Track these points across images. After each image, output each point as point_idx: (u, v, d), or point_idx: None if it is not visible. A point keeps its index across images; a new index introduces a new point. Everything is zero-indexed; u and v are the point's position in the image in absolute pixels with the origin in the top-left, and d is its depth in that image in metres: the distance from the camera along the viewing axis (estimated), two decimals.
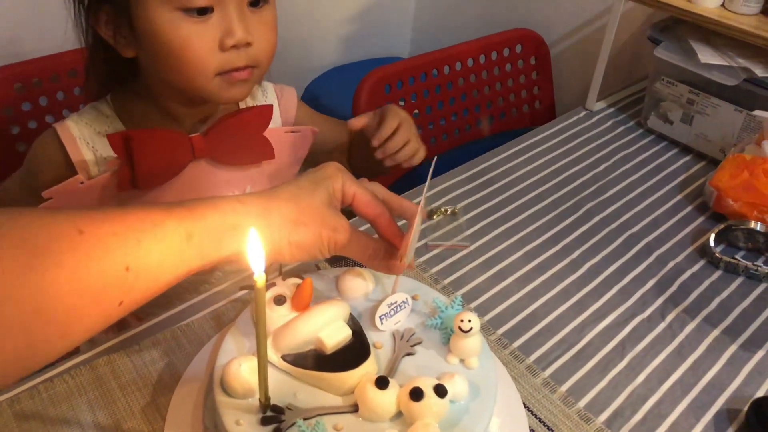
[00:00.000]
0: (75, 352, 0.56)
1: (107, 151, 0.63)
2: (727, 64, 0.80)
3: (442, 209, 0.77)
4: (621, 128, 0.97)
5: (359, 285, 0.53)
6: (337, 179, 0.49)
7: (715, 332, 0.65)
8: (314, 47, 1.37)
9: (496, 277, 0.69)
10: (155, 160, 0.63)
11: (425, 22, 1.55)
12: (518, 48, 1.17)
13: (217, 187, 0.69)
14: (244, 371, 0.45)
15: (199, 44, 0.58)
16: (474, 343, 0.49)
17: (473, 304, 0.65)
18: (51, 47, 0.91)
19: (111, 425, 0.50)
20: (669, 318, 0.66)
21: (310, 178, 0.49)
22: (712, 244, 0.73)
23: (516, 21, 1.24)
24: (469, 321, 0.48)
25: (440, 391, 0.44)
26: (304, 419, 0.43)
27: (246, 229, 0.40)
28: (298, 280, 0.51)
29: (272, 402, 0.44)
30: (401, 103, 1.08)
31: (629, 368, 0.60)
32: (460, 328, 0.49)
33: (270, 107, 0.70)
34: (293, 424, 0.43)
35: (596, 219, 0.79)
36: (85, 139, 0.64)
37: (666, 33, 0.89)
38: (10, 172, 0.69)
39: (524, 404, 0.55)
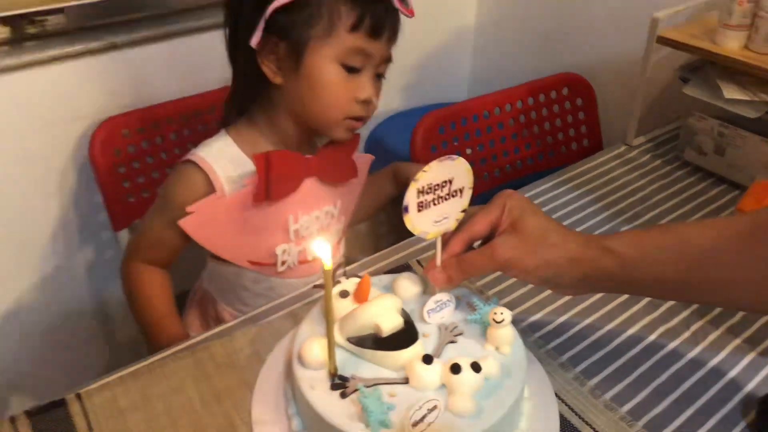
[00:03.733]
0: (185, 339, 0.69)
1: (235, 171, 0.78)
2: (750, 98, 0.87)
3: None
4: (659, 161, 1.05)
5: (410, 286, 0.64)
6: None
7: (737, 341, 0.72)
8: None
9: (534, 290, 0.78)
10: (285, 176, 0.78)
11: (481, 69, 1.67)
12: (565, 90, 1.27)
13: (318, 201, 0.84)
14: (316, 348, 0.55)
15: (344, 92, 0.75)
16: (506, 333, 0.59)
17: (514, 311, 0.75)
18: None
19: (210, 394, 0.62)
20: (693, 327, 0.73)
21: None
22: None
23: (563, 66, 1.34)
24: (502, 314, 0.58)
25: (476, 367, 0.54)
26: (365, 386, 0.53)
27: None
28: (357, 279, 0.62)
29: (339, 373, 0.55)
30: (455, 142, 1.19)
31: (653, 368, 0.68)
32: (494, 319, 0.58)
33: (358, 136, 0.85)
34: (356, 390, 0.53)
35: None
36: (219, 164, 0.78)
37: (695, 72, 0.97)
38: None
39: (555, 393, 0.63)
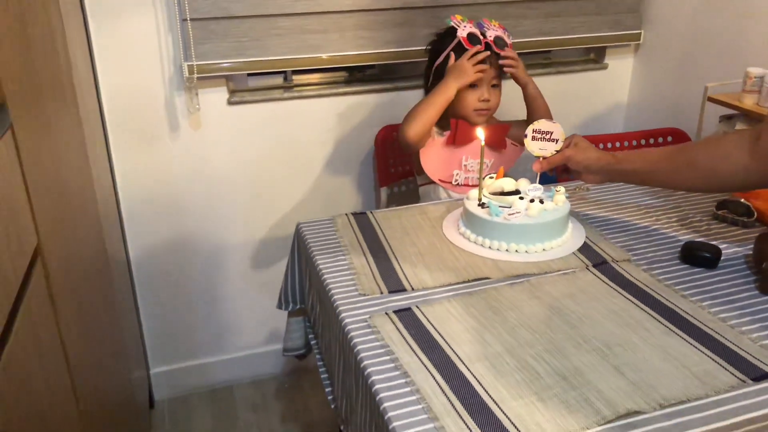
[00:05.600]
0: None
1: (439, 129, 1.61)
2: None
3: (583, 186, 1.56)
4: None
5: (523, 182, 1.37)
6: None
7: None
8: None
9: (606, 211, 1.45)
10: (465, 132, 1.58)
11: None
12: (669, 138, 1.92)
13: (479, 154, 1.61)
14: (473, 194, 1.32)
15: (473, 99, 1.55)
16: (561, 198, 1.30)
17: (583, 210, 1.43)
18: None
19: (428, 225, 1.40)
20: None
21: None
22: None
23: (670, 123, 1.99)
24: (558, 189, 1.30)
25: (541, 201, 1.27)
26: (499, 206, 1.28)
27: None
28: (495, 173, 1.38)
29: (481, 202, 1.30)
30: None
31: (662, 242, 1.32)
32: (557, 191, 1.30)
33: (506, 126, 1.63)
34: (488, 206, 1.28)
35: None
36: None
37: (728, 120, 1.60)
38: None
39: (586, 236, 1.31)
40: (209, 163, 1.87)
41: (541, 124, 1.31)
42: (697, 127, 1.70)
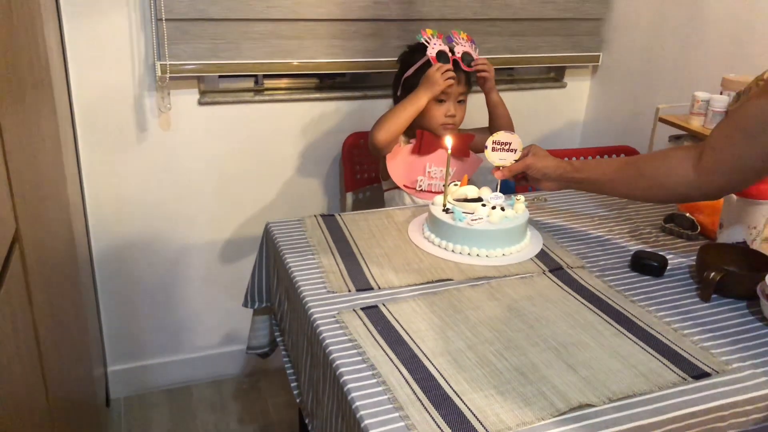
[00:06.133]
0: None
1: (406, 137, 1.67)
2: None
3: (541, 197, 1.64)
4: None
5: (485, 189, 1.44)
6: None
7: None
8: None
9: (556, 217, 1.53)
10: (430, 143, 1.65)
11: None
12: (622, 156, 2.02)
13: (444, 162, 1.67)
14: (438, 200, 1.38)
15: (439, 113, 1.62)
16: (521, 206, 1.36)
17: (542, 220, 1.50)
18: None
19: (395, 229, 1.45)
20: None
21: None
22: None
23: (624, 142, 2.09)
24: (519, 198, 1.37)
25: (503, 209, 1.33)
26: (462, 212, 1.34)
27: None
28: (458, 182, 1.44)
29: (445, 208, 1.36)
30: None
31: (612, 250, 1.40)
32: (516, 199, 1.36)
33: (473, 135, 1.70)
34: (453, 212, 1.34)
35: None
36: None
37: (677, 140, 1.70)
38: None
39: (543, 243, 1.38)
40: (178, 163, 1.89)
41: (500, 136, 1.38)
42: (648, 146, 1.80)
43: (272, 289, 1.40)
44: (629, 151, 2.05)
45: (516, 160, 1.38)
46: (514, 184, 1.46)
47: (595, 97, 2.30)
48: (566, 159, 2.01)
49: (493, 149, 1.39)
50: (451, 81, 1.61)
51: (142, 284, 1.99)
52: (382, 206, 1.81)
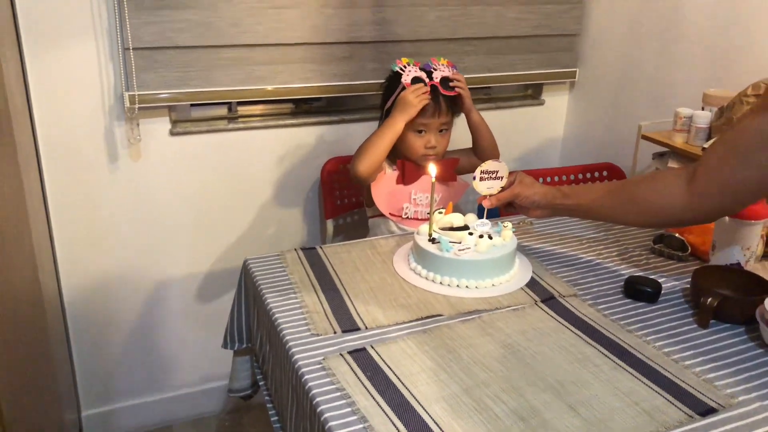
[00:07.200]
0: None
1: (391, 166, 1.62)
2: None
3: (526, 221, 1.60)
4: None
5: (470, 217, 1.39)
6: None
7: None
8: None
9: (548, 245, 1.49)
10: (412, 172, 1.60)
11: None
12: (604, 173, 2.00)
13: (429, 188, 1.62)
14: (423, 229, 1.33)
15: (419, 144, 1.58)
16: (509, 233, 1.32)
17: (531, 248, 1.46)
18: None
19: (379, 260, 1.40)
20: None
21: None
22: None
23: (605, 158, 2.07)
24: (506, 225, 1.32)
25: (490, 237, 1.28)
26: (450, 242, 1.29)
27: None
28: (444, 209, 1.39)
29: (431, 237, 1.31)
30: None
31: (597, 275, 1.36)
32: (504, 227, 1.32)
33: (457, 160, 1.66)
34: (439, 242, 1.29)
35: None
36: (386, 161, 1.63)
37: (661, 158, 1.68)
38: None
39: (533, 271, 1.34)
40: (150, 195, 1.82)
41: (488, 165, 1.33)
42: (632, 163, 1.78)
43: (252, 330, 1.33)
44: (611, 168, 2.02)
45: (503, 187, 1.33)
46: (498, 208, 1.41)
47: (573, 114, 2.28)
48: (549, 182, 1.99)
49: (481, 179, 1.34)
50: (426, 100, 1.56)
51: (116, 322, 1.91)
52: (364, 232, 1.76)
